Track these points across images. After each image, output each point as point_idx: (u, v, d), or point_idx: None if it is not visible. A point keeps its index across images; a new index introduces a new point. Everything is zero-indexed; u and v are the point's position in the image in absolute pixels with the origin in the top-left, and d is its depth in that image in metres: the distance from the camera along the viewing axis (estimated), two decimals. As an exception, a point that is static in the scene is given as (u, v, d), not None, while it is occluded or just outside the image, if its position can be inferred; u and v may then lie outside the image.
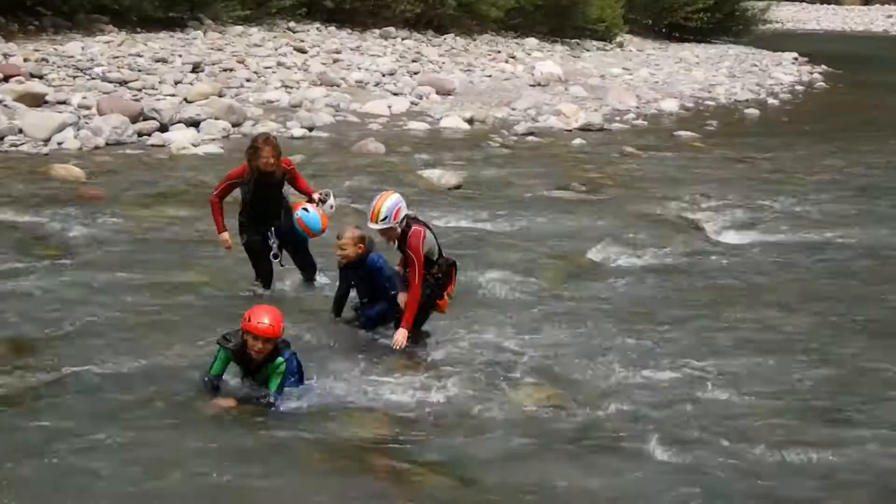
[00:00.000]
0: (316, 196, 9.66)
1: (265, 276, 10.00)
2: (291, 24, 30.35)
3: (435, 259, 8.61)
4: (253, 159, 9.55)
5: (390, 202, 8.37)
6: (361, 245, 8.68)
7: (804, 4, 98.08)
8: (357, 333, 9.07)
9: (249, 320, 7.30)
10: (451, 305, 9.45)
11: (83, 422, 7.14)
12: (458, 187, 15.69)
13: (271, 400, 7.50)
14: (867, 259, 12.79)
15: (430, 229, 8.79)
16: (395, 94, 24.50)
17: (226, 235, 9.80)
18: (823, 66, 42.46)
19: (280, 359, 7.46)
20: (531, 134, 21.62)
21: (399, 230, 8.41)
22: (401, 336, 8.52)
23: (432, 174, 16.22)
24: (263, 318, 7.31)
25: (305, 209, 9.50)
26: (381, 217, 8.30)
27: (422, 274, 8.48)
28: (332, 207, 9.71)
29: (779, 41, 51.86)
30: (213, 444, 6.96)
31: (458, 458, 7.00)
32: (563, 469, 6.88)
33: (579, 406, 7.88)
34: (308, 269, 10.20)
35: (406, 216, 8.50)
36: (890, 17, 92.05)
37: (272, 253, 9.85)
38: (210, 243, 11.49)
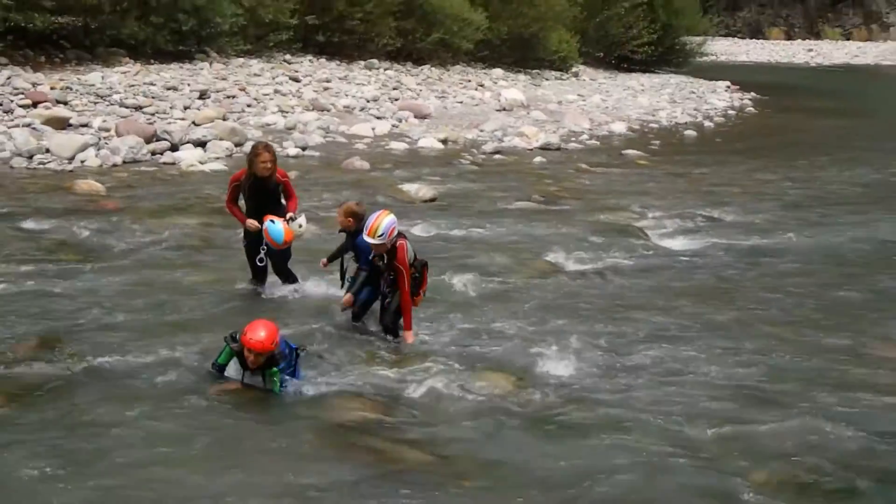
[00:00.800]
0: (288, 215, 9.56)
1: (259, 275, 9.97)
2: (287, 56, 30.27)
3: (412, 263, 8.60)
4: (252, 163, 9.58)
5: (387, 222, 8.36)
6: (350, 219, 8.94)
7: (735, 39, 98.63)
8: (345, 328, 9.00)
9: (245, 334, 7.28)
10: (427, 303, 9.54)
11: (103, 405, 7.20)
12: (433, 199, 15.67)
13: (275, 391, 7.48)
14: (789, 261, 12.81)
15: (406, 238, 8.81)
16: (378, 118, 24.46)
17: (251, 221, 9.61)
18: (752, 94, 42.64)
19: (275, 369, 7.43)
20: (497, 153, 21.64)
21: (389, 245, 8.42)
22: (409, 337, 8.71)
23: (410, 188, 16.19)
24: (258, 334, 7.27)
25: (273, 221, 9.39)
26: (379, 234, 8.29)
27: (409, 281, 8.54)
28: (300, 226, 9.62)
29: (713, 71, 52.10)
30: (216, 425, 7.03)
31: (433, 437, 7.05)
32: (524, 445, 6.95)
33: (538, 391, 7.91)
34: (285, 278, 10.07)
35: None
36: (810, 50, 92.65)
37: (258, 257, 9.79)
38: (214, 248, 11.52)
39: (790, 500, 6.31)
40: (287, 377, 7.54)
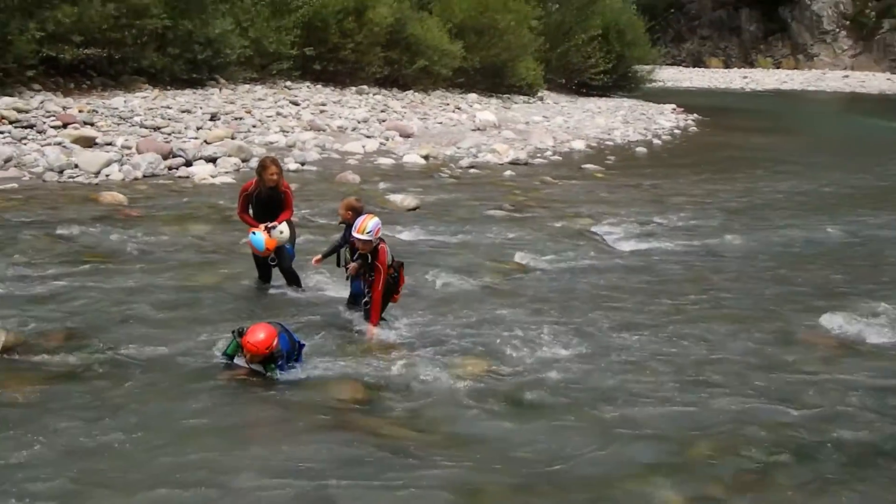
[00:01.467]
0: (270, 225, 9.52)
1: (265, 274, 9.92)
2: (287, 82, 30.22)
3: (390, 264, 8.60)
4: (261, 173, 9.66)
5: (374, 222, 8.42)
6: (350, 212, 8.95)
7: (680, 67, 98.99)
8: (338, 322, 8.97)
9: (245, 336, 7.30)
10: (410, 298, 9.65)
11: (124, 389, 7.21)
12: (416, 208, 15.64)
13: (274, 378, 7.49)
14: (727, 260, 12.88)
15: (386, 243, 8.80)
16: (367, 137, 24.39)
17: (259, 226, 9.54)
18: (695, 115, 42.76)
19: (272, 365, 7.44)
20: (472, 167, 21.62)
21: (374, 244, 8.43)
22: (371, 331, 8.62)
23: (396, 198, 16.16)
24: (256, 337, 7.27)
25: (254, 233, 9.43)
26: (367, 231, 8.33)
27: (384, 282, 8.54)
28: (280, 232, 9.52)
29: (661, 96, 52.30)
30: (227, 406, 7.05)
31: (415, 415, 7.07)
32: (494, 422, 6.97)
33: (507, 375, 7.93)
34: (289, 279, 10.00)
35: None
36: (745, 77, 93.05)
37: (270, 258, 9.73)
38: (224, 251, 11.44)
39: (729, 468, 6.36)
40: (282, 372, 7.51)
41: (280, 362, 7.48)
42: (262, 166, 9.78)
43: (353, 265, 8.77)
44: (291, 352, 7.69)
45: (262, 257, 9.77)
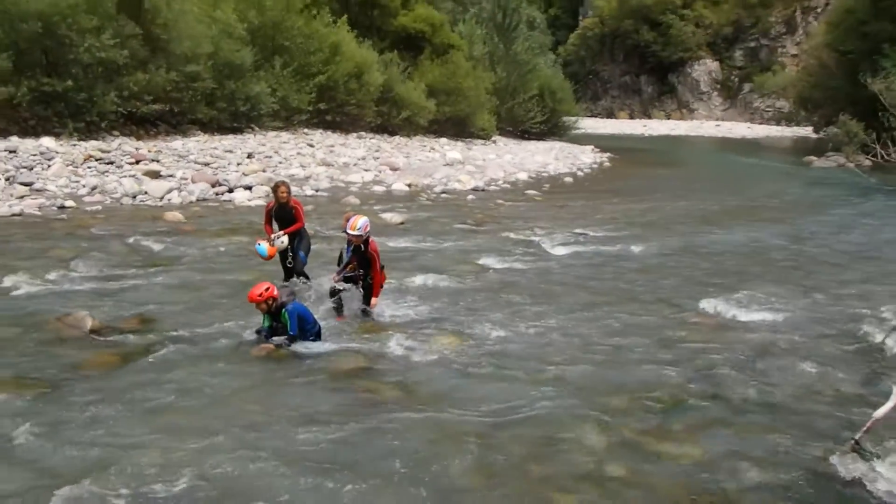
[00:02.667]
0: (273, 235, 9.47)
1: (288, 273, 9.82)
2: (305, 130, 30.09)
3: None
4: (275, 192, 9.69)
5: (363, 220, 8.33)
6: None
7: (596, 118, 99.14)
8: (342, 308, 8.83)
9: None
10: (398, 291, 9.69)
11: (181, 360, 7.23)
12: (402, 223, 15.58)
13: (292, 335, 7.48)
14: (633, 261, 12.87)
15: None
16: (365, 170, 24.30)
17: (271, 237, 9.48)
18: (608, 154, 42.89)
19: (284, 311, 7.44)
20: (444, 192, 21.58)
21: (364, 237, 8.32)
22: (373, 303, 8.56)
23: (387, 215, 16.11)
24: (253, 291, 7.40)
25: (259, 244, 9.35)
26: (357, 227, 8.23)
27: (379, 267, 8.46)
28: (282, 242, 9.38)
29: (583, 139, 52.46)
30: (259, 372, 7.08)
31: (404, 379, 7.02)
32: (466, 384, 6.94)
33: (472, 348, 7.89)
34: (302, 277, 9.77)
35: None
36: (645, 125, 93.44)
37: (287, 261, 9.67)
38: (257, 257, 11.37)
39: (638, 417, 6.36)
40: (293, 319, 7.45)
41: (289, 306, 7.46)
42: (275, 187, 9.79)
43: (334, 276, 8.61)
44: (315, 329, 7.69)
45: (275, 260, 9.65)
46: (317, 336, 7.71)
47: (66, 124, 20.16)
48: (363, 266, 8.54)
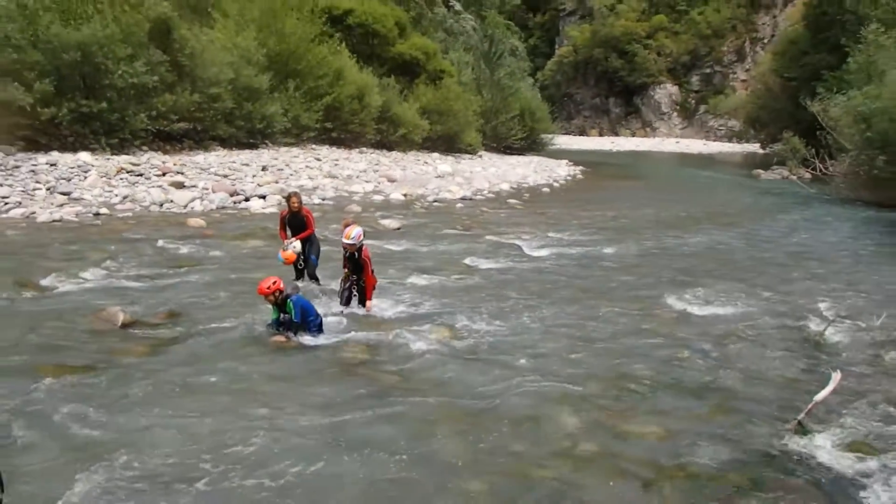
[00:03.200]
0: (286, 242, 9.44)
1: (299, 275, 9.77)
2: (313, 146, 29.93)
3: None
4: (288, 201, 9.70)
5: (357, 230, 8.32)
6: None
7: (570, 136, 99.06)
8: (347, 307, 8.81)
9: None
10: (395, 288, 9.67)
11: (205, 350, 7.20)
12: (399, 228, 15.54)
13: (295, 322, 7.44)
14: (604, 262, 12.88)
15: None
16: (366, 182, 24.19)
17: (284, 243, 9.45)
18: (581, 167, 42.87)
19: (289, 301, 7.42)
20: (436, 201, 21.53)
21: (357, 246, 8.28)
22: (369, 306, 8.50)
23: (385, 221, 16.06)
24: (262, 285, 7.37)
25: (280, 254, 9.21)
26: (351, 237, 8.22)
27: (371, 270, 8.42)
28: (294, 248, 9.29)
29: (559, 154, 52.47)
30: (273, 360, 7.03)
31: (401, 365, 7.00)
32: (456, 371, 6.91)
33: (465, 340, 7.87)
34: (314, 279, 9.75)
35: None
36: (612, 142, 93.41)
37: (299, 262, 9.59)
38: (271, 257, 11.25)
39: (608, 399, 6.36)
40: (298, 310, 7.41)
41: (294, 297, 7.42)
42: (288, 197, 9.80)
43: (346, 272, 8.58)
44: (317, 321, 7.63)
45: (294, 264, 9.61)
46: (319, 328, 7.66)
47: (100, 141, 20.13)
48: (356, 271, 8.51)
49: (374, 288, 8.62)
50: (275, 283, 7.40)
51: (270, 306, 7.56)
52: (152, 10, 22.19)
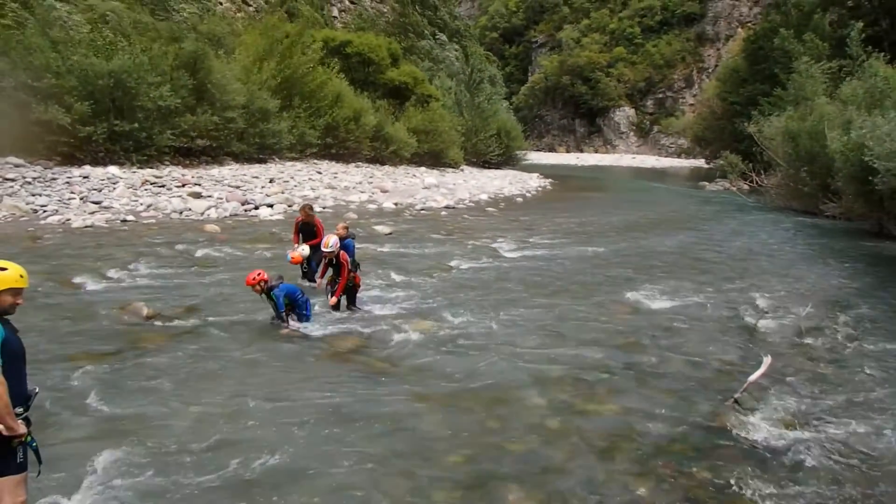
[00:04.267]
0: (296, 245, 9.42)
1: (303, 273, 9.73)
2: (315, 160, 29.85)
3: (350, 267, 8.27)
4: (301, 211, 9.81)
5: (334, 239, 8.25)
6: (343, 230, 8.86)
7: (542, 152, 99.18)
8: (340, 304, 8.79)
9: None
10: (384, 286, 9.66)
11: (219, 341, 7.13)
12: (390, 233, 15.48)
13: (280, 312, 7.37)
14: (569, 262, 12.88)
15: (348, 253, 8.52)
16: (361, 192, 24.09)
17: (295, 246, 9.45)
18: (551, 179, 43.03)
19: (273, 293, 7.35)
20: (423, 210, 21.47)
21: (335, 253, 8.20)
22: (332, 301, 8.27)
23: (378, 227, 16.00)
24: (248, 277, 7.30)
25: (288, 253, 9.14)
26: (329, 245, 8.15)
27: (347, 271, 8.20)
28: (302, 252, 9.14)
29: (531, 168, 52.61)
30: (278, 349, 6.98)
31: (389, 354, 6.99)
32: (438, 358, 6.91)
33: (447, 331, 7.86)
34: (310, 280, 9.62)
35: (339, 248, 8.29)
36: (577, 157, 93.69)
37: (303, 265, 9.58)
38: (279, 260, 11.21)
39: (572, 383, 6.38)
40: (280, 300, 7.32)
41: (276, 291, 7.31)
42: (302, 207, 9.91)
43: (319, 281, 8.55)
44: (305, 301, 7.56)
45: (299, 265, 9.56)
46: (306, 305, 7.58)
47: (131, 157, 20.17)
48: (336, 272, 8.43)
49: (358, 286, 8.51)
50: (259, 274, 7.33)
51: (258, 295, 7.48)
52: (189, 44, 22.99)
